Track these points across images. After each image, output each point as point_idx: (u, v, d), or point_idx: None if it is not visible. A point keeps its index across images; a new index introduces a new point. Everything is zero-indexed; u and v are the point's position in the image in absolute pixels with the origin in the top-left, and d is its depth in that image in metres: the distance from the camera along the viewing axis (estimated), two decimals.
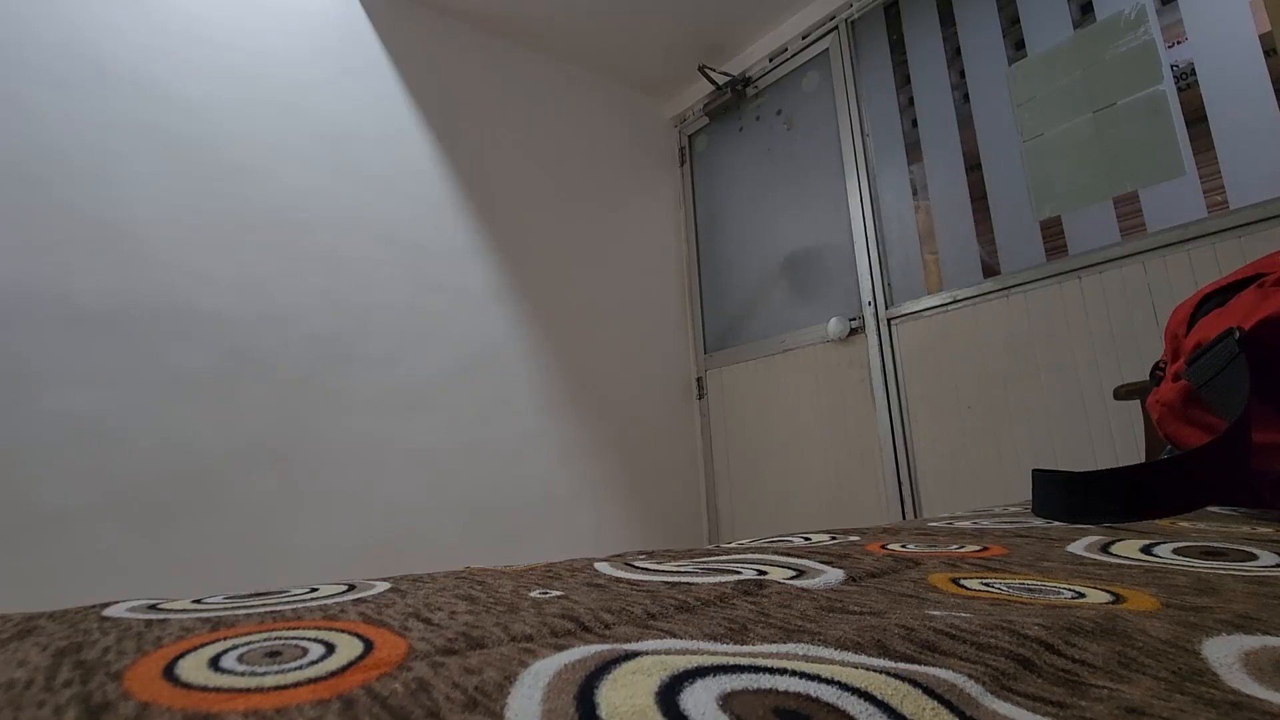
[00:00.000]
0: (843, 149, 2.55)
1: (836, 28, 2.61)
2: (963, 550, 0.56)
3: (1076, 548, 0.55)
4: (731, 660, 0.26)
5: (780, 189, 2.79)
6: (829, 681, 0.23)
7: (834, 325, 2.43)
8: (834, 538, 0.70)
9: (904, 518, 2.23)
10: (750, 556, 0.56)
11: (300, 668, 0.25)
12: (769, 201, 2.82)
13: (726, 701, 0.22)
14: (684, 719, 0.20)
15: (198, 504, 1.73)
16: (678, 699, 0.22)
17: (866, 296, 2.39)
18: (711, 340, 2.97)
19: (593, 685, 0.23)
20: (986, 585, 0.42)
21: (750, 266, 2.86)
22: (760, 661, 0.26)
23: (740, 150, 2.98)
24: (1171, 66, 1.79)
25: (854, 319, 2.43)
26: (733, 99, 2.95)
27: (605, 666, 0.25)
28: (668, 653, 0.27)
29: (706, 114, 3.07)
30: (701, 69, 2.86)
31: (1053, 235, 2.00)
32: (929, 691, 0.22)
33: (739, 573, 0.46)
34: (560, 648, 0.28)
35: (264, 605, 0.37)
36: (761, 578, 0.44)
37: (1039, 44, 2.05)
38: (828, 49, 2.67)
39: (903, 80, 2.44)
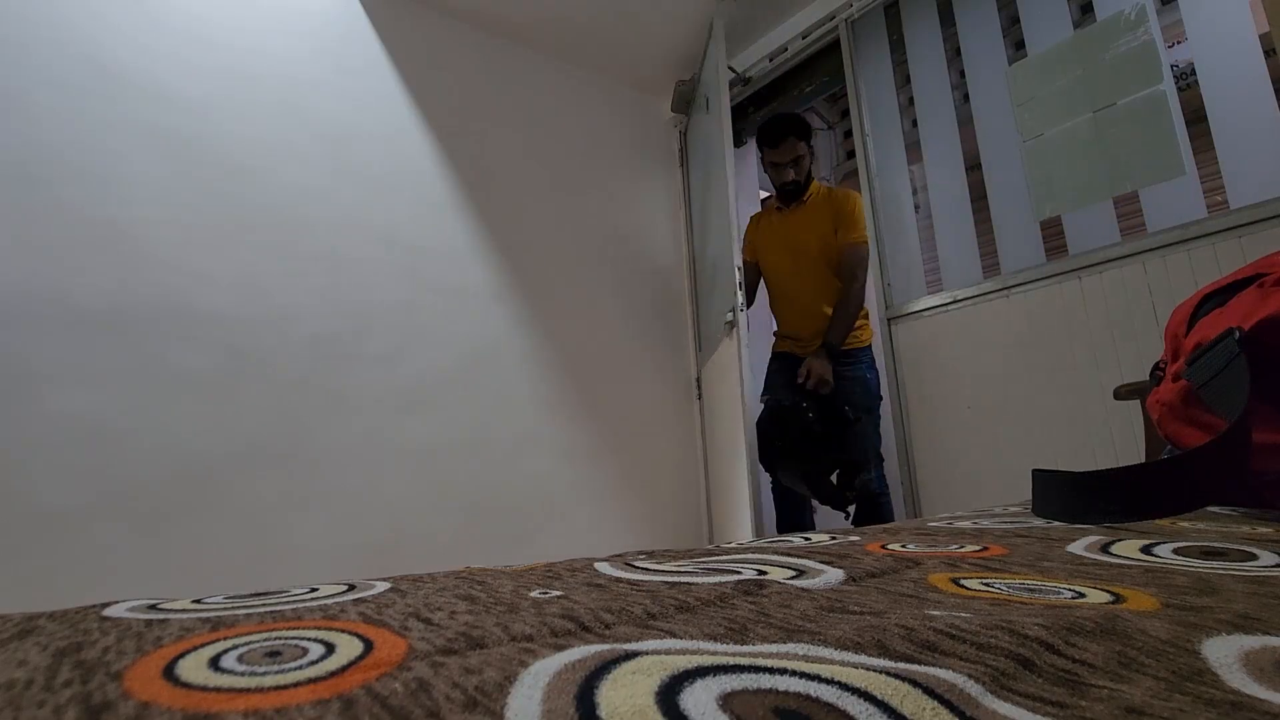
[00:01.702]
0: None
1: (837, 27, 2.61)
2: (963, 550, 0.56)
3: (1076, 548, 0.55)
4: (731, 660, 0.26)
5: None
6: (829, 681, 0.23)
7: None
8: (834, 538, 0.70)
9: (904, 517, 2.23)
10: (750, 556, 0.56)
11: (300, 668, 0.25)
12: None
13: (726, 701, 0.22)
14: (684, 719, 0.20)
15: (198, 504, 1.73)
16: (678, 699, 0.22)
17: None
18: (709, 340, 2.97)
19: (593, 685, 0.23)
20: (986, 585, 0.42)
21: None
22: (760, 661, 0.26)
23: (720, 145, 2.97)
24: (1171, 66, 1.79)
25: None
26: (687, 87, 2.92)
27: (605, 666, 0.25)
28: (668, 653, 0.27)
29: (673, 110, 3.08)
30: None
31: (1053, 235, 2.00)
32: (929, 691, 0.22)
33: (739, 573, 0.46)
34: (560, 648, 0.28)
35: (264, 605, 0.37)
36: (761, 578, 0.44)
37: (1039, 44, 2.05)
38: (828, 49, 2.67)
39: (903, 80, 2.44)
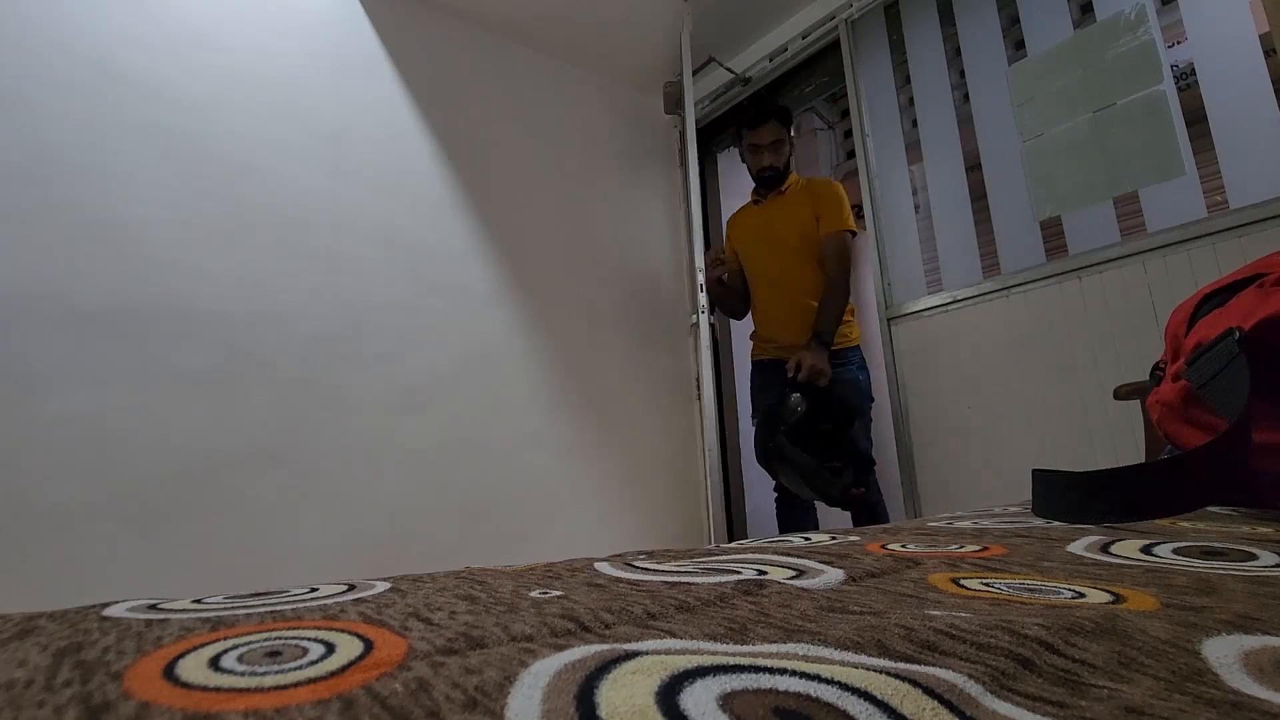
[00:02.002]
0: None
1: (837, 28, 2.61)
2: (963, 550, 0.56)
3: (1076, 548, 0.55)
4: (731, 660, 0.26)
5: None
6: (829, 681, 0.23)
7: None
8: (834, 538, 0.70)
9: (904, 518, 2.23)
10: (750, 556, 0.56)
11: (300, 668, 0.25)
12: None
13: (726, 701, 0.22)
14: (684, 719, 0.20)
15: (198, 504, 1.73)
16: (678, 699, 0.22)
17: None
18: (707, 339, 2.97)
19: (593, 685, 0.23)
20: (986, 585, 0.42)
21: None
22: (760, 661, 0.26)
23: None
24: (1171, 66, 1.79)
25: None
26: (674, 88, 2.92)
27: (605, 666, 0.25)
28: (668, 653, 0.27)
29: (667, 112, 3.09)
30: (712, 59, 2.87)
31: (1053, 235, 2.00)
32: (929, 691, 0.22)
33: (739, 573, 0.46)
34: (560, 648, 0.28)
35: (264, 605, 0.37)
36: (761, 578, 0.44)
37: (1039, 44, 2.05)
38: (828, 49, 2.67)
39: (903, 80, 2.44)
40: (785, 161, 2.20)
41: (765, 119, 2.16)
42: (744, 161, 2.30)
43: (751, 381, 2.30)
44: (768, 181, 2.21)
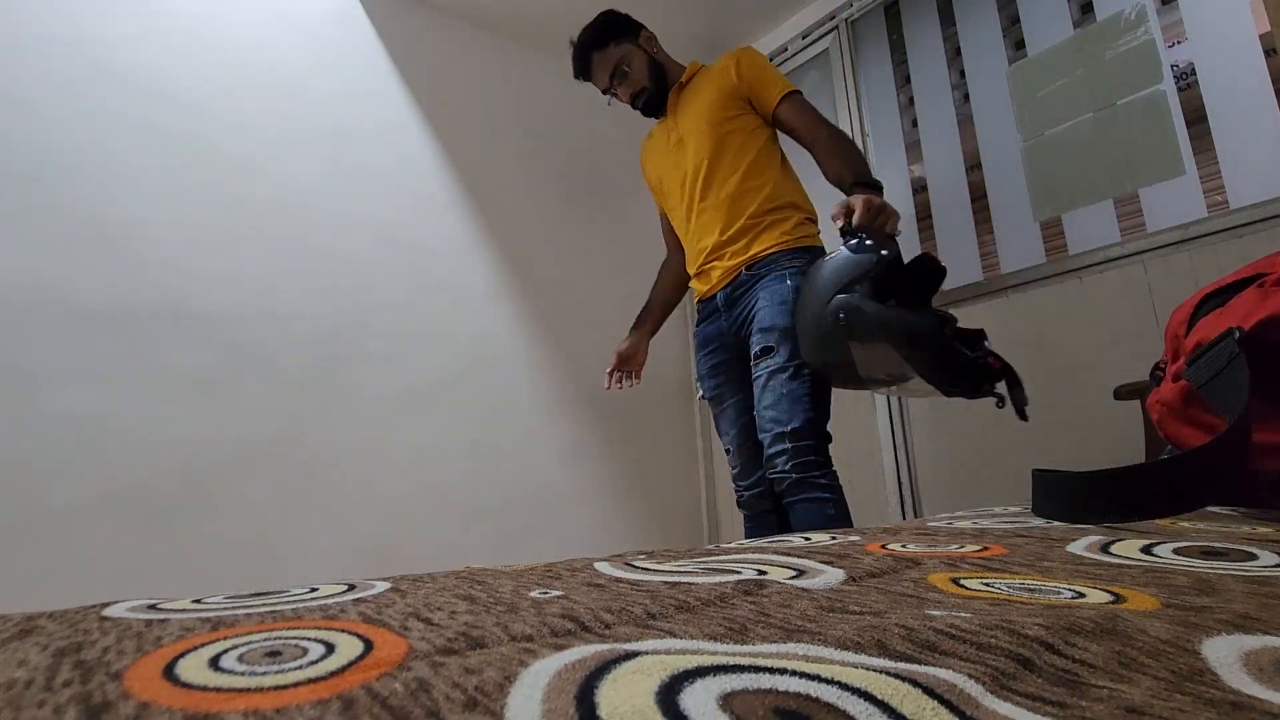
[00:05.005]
0: None
1: (836, 27, 2.61)
2: (963, 550, 0.56)
3: (1076, 548, 0.55)
4: (731, 660, 0.26)
5: None
6: (829, 681, 0.23)
7: None
8: (834, 538, 0.70)
9: (904, 518, 2.23)
10: (750, 556, 0.56)
11: (300, 667, 0.25)
12: None
13: (726, 701, 0.22)
14: (684, 719, 0.20)
15: (198, 504, 1.73)
16: (678, 699, 0.22)
17: None
18: None
19: (592, 685, 0.23)
20: (987, 585, 0.42)
21: None
22: (760, 661, 0.26)
23: None
24: (1171, 66, 1.79)
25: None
26: None
27: (605, 666, 0.25)
28: (668, 652, 0.27)
29: None
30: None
31: (1053, 235, 2.00)
32: (929, 691, 0.22)
33: (739, 573, 0.46)
34: (560, 648, 0.28)
35: (264, 605, 0.37)
36: (761, 578, 0.44)
37: (1039, 44, 2.05)
38: (828, 49, 2.67)
39: (903, 80, 2.44)
40: (649, 70, 1.72)
41: (588, 59, 1.72)
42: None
43: (698, 352, 1.73)
44: (651, 105, 1.75)
